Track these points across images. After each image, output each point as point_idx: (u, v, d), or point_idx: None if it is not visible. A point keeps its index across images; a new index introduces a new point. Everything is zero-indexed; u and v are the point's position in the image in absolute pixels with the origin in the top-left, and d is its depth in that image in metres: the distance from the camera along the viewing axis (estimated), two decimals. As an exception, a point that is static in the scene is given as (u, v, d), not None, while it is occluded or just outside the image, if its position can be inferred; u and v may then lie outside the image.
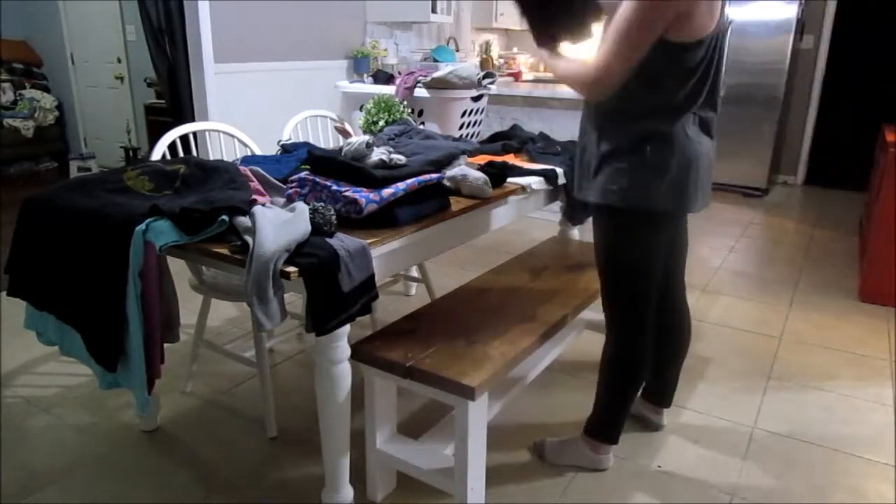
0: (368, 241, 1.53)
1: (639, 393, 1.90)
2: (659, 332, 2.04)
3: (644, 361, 1.86)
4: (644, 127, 1.62)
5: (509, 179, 2.12)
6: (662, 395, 2.16)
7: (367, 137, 1.85)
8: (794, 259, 3.98)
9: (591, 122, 1.73)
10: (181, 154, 2.27)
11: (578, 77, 1.60)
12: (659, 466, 2.00)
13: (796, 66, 5.72)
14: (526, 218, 4.53)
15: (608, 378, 1.90)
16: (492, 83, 3.81)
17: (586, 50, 1.65)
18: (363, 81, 4.39)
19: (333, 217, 1.53)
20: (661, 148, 1.62)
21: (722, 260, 3.94)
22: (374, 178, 1.64)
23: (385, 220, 1.63)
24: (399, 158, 1.83)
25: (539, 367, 2.25)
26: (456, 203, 1.87)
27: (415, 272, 3.13)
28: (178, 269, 1.89)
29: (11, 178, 5.81)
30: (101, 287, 1.60)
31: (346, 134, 2.55)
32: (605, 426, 1.94)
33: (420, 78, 3.91)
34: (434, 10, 4.65)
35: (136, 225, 1.52)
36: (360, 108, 3.02)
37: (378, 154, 1.80)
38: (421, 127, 2.57)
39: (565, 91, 4.50)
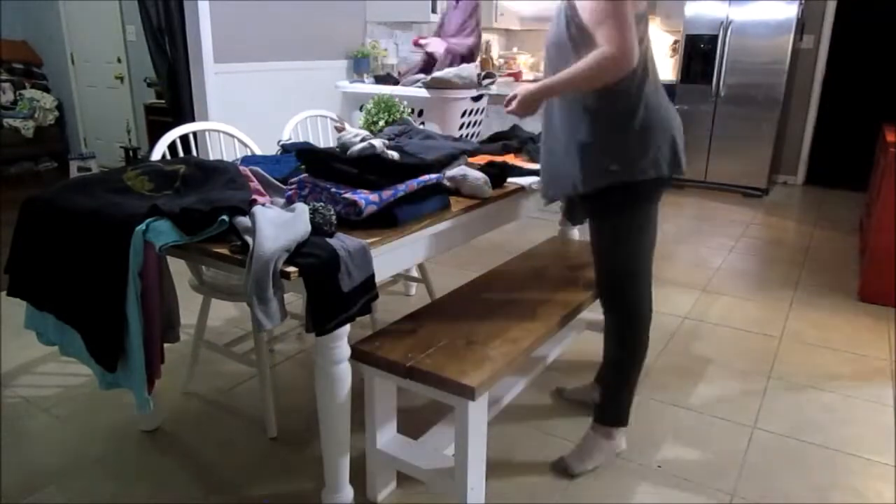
0: (368, 241, 1.53)
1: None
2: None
3: (643, 334, 1.91)
4: (618, 102, 1.68)
5: (509, 179, 2.12)
6: None
7: (362, 132, 1.85)
8: (794, 259, 3.98)
9: (555, 112, 1.79)
10: (181, 154, 2.27)
11: (598, 63, 1.58)
12: (659, 466, 2.00)
13: (796, 66, 5.72)
14: (526, 218, 4.53)
15: (618, 362, 1.93)
16: (492, 83, 3.81)
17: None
18: (363, 81, 4.38)
19: (333, 217, 1.53)
20: (644, 117, 1.70)
21: (722, 260, 3.94)
22: (371, 181, 1.64)
23: (385, 220, 1.63)
24: (393, 154, 1.81)
25: (539, 367, 2.25)
26: (456, 203, 1.87)
27: (415, 272, 3.13)
28: (178, 269, 1.89)
29: (11, 178, 5.81)
30: (101, 287, 1.60)
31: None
32: (616, 410, 1.98)
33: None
34: (434, 10, 4.65)
35: (136, 225, 1.52)
36: (360, 108, 3.01)
37: (367, 140, 1.79)
38: (421, 127, 2.57)
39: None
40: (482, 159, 2.28)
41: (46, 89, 6.28)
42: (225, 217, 1.51)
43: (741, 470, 1.99)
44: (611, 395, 1.97)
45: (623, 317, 1.90)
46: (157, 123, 5.35)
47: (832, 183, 5.98)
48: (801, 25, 5.52)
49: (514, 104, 1.83)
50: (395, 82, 4.24)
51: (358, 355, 1.68)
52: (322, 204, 1.56)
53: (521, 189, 2.11)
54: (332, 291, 1.43)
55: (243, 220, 1.51)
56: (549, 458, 2.02)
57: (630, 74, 1.64)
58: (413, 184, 1.70)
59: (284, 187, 1.77)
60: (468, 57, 3.67)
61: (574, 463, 1.97)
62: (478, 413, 1.63)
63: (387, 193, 1.63)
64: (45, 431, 2.12)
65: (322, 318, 1.44)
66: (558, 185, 1.85)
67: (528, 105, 1.81)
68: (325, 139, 3.09)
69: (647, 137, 1.71)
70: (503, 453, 2.04)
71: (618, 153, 1.71)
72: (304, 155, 1.72)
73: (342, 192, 1.61)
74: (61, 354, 1.86)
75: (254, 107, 3.82)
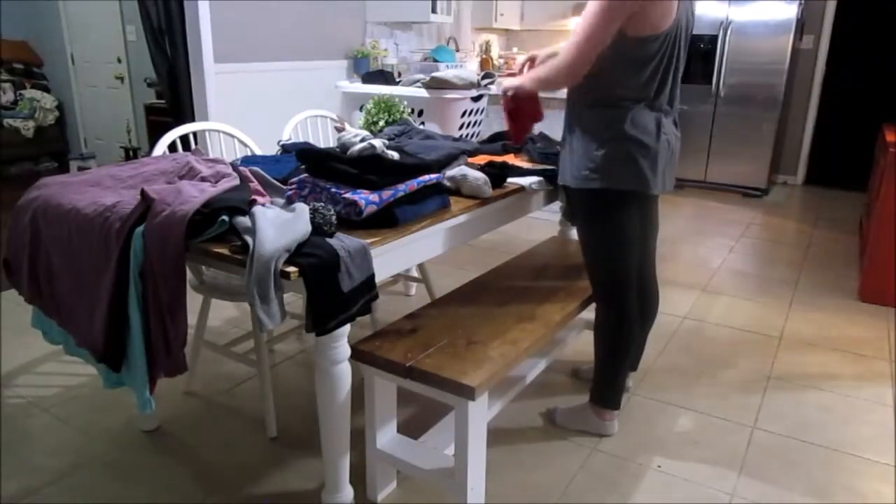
0: (368, 241, 1.53)
1: (631, 357, 2.14)
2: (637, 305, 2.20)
3: (626, 329, 2.03)
4: (604, 115, 1.84)
5: (509, 179, 2.12)
6: (635, 360, 2.40)
7: (363, 132, 1.85)
8: (794, 259, 3.99)
9: (567, 114, 1.98)
10: (181, 154, 2.27)
11: (552, 71, 1.86)
12: (659, 466, 2.00)
13: (796, 66, 5.72)
14: (526, 218, 4.52)
15: (601, 347, 2.08)
16: (491, 83, 3.82)
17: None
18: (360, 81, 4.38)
19: (333, 217, 1.53)
20: (619, 134, 1.82)
21: (722, 260, 3.94)
22: (371, 181, 1.64)
23: (385, 220, 1.63)
24: (393, 154, 1.81)
25: (539, 367, 2.25)
26: (456, 203, 1.87)
27: (415, 272, 3.13)
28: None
29: (11, 179, 5.81)
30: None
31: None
32: (604, 392, 2.12)
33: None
34: (434, 10, 4.64)
35: (135, 226, 1.52)
36: (360, 108, 3.02)
37: (367, 140, 1.79)
38: (421, 127, 2.57)
39: (565, 91, 4.50)
40: (482, 159, 2.28)
41: (47, 89, 6.28)
42: (225, 217, 1.51)
43: (741, 470, 1.99)
44: (600, 379, 2.12)
45: (601, 313, 2.06)
46: (157, 123, 5.35)
47: (832, 183, 5.98)
48: (801, 25, 5.52)
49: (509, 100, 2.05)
50: (386, 80, 4.24)
51: (358, 355, 1.68)
52: (322, 204, 1.56)
53: (521, 189, 2.11)
54: (332, 291, 1.43)
55: (243, 220, 1.51)
56: (550, 458, 2.02)
57: (622, 91, 1.81)
58: (413, 184, 1.70)
59: (284, 187, 1.77)
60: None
61: (562, 418, 2.20)
62: (478, 413, 1.63)
63: (387, 193, 1.63)
64: (46, 431, 2.12)
65: (322, 317, 1.44)
66: (562, 176, 2.00)
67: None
68: (325, 139, 3.09)
69: (623, 150, 1.83)
70: (503, 453, 2.04)
71: (594, 161, 1.85)
72: (304, 155, 1.72)
73: (342, 192, 1.61)
74: (66, 353, 1.87)
75: (254, 107, 3.82)
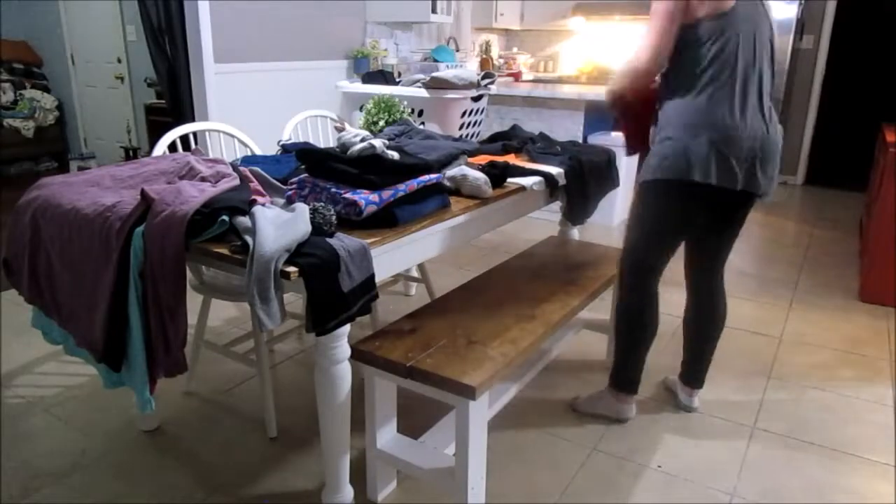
0: (368, 241, 1.53)
1: (649, 344, 2.15)
2: (695, 312, 2.24)
3: (645, 312, 2.08)
4: (669, 109, 1.90)
5: (509, 179, 2.12)
6: (694, 375, 2.29)
7: (362, 132, 1.85)
8: (794, 259, 3.98)
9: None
10: (181, 154, 2.27)
11: (624, 71, 1.93)
12: (659, 466, 2.00)
13: (796, 66, 5.72)
14: (526, 218, 4.53)
15: (618, 330, 2.15)
16: (491, 83, 3.81)
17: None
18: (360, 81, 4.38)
19: (333, 217, 1.53)
20: (678, 125, 1.86)
21: (722, 260, 3.93)
22: (371, 181, 1.64)
23: (385, 220, 1.63)
24: (393, 154, 1.81)
25: (539, 367, 2.25)
26: (456, 203, 1.87)
27: (415, 272, 3.13)
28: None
29: (11, 179, 5.81)
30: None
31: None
32: (621, 377, 2.18)
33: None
34: (434, 10, 4.64)
35: (136, 226, 1.52)
36: (360, 108, 3.02)
37: (367, 140, 1.79)
38: (421, 127, 2.57)
39: (565, 91, 4.51)
40: (482, 159, 2.28)
41: (46, 89, 6.28)
42: (225, 217, 1.51)
43: (741, 470, 1.99)
44: (617, 361, 2.18)
45: (620, 299, 2.14)
46: (157, 123, 5.35)
47: (832, 183, 5.98)
48: (801, 25, 5.52)
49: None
50: (386, 80, 4.24)
51: (358, 355, 1.68)
52: (322, 204, 1.56)
53: (522, 189, 2.11)
54: (332, 291, 1.43)
55: (243, 220, 1.51)
56: (550, 458, 2.02)
57: (682, 79, 1.86)
58: (413, 184, 1.70)
59: (284, 187, 1.78)
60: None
61: (582, 404, 2.28)
62: (478, 413, 1.63)
63: (387, 193, 1.63)
64: (46, 431, 2.12)
65: (322, 317, 1.44)
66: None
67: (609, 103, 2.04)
68: (325, 139, 3.09)
69: (682, 141, 1.85)
70: (503, 453, 2.04)
71: (657, 152, 1.92)
72: (304, 155, 1.72)
73: (342, 192, 1.61)
74: (66, 353, 1.87)
75: (254, 107, 3.83)
